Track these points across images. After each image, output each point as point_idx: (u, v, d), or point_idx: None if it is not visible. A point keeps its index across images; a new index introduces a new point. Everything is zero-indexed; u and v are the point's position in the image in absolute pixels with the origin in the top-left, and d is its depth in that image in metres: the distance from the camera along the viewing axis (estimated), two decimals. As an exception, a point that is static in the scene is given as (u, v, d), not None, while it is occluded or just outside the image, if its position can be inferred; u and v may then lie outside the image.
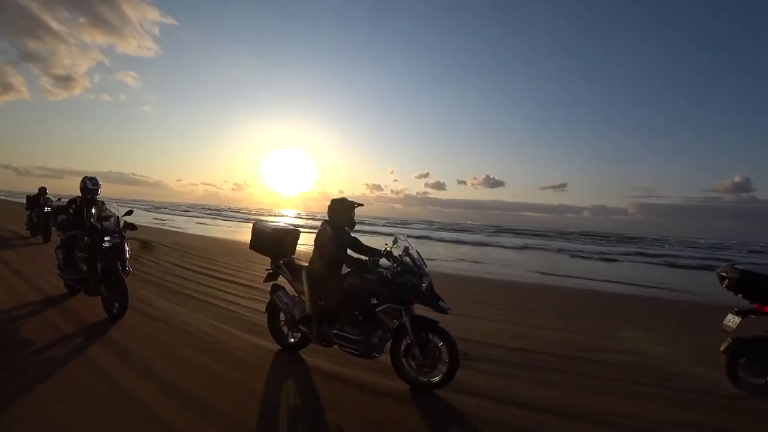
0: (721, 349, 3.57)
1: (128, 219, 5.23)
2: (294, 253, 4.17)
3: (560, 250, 26.57)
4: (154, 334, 4.15)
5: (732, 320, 3.56)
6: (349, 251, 3.58)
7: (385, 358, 3.36)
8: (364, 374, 3.45)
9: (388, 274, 3.30)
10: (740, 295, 3.50)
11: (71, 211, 5.13)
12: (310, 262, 3.69)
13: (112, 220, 4.94)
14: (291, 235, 4.14)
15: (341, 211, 3.57)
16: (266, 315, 4.01)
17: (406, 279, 3.22)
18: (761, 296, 3.43)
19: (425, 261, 3.39)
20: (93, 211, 5.01)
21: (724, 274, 3.60)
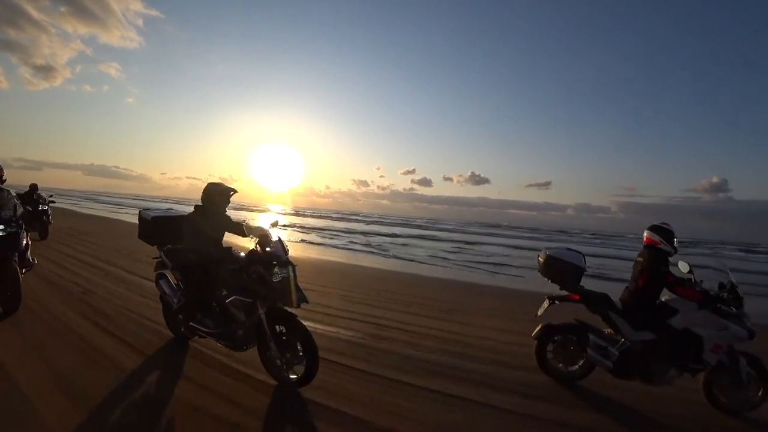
0: (533, 334, 3.61)
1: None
2: None
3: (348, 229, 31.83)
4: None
5: (542, 306, 3.61)
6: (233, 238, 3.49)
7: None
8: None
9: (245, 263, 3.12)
10: (549, 280, 3.56)
11: None
12: None
13: (8, 208, 4.64)
14: (176, 221, 4.00)
15: (212, 195, 3.45)
16: (160, 304, 4.00)
17: (255, 269, 3.00)
18: (560, 280, 3.48)
19: (287, 249, 3.14)
20: None
21: (537, 259, 3.66)
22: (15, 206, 4.69)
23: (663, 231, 3.36)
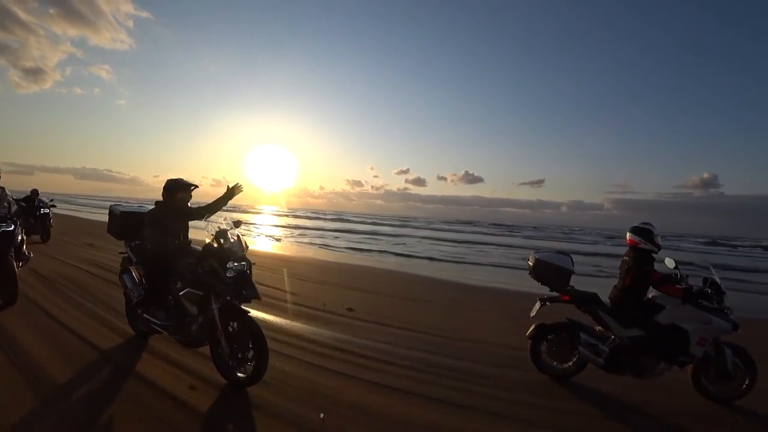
0: (527, 334, 3.75)
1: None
2: None
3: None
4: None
5: (534, 307, 3.74)
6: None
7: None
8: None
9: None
10: (539, 283, 3.69)
11: None
12: None
13: (1, 205, 4.87)
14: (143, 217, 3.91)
15: (171, 191, 3.51)
16: (124, 299, 3.95)
17: (208, 262, 3.02)
18: (550, 282, 3.61)
19: (245, 246, 3.15)
20: None
21: (527, 263, 3.79)
22: (9, 203, 4.95)
23: (642, 231, 3.48)
